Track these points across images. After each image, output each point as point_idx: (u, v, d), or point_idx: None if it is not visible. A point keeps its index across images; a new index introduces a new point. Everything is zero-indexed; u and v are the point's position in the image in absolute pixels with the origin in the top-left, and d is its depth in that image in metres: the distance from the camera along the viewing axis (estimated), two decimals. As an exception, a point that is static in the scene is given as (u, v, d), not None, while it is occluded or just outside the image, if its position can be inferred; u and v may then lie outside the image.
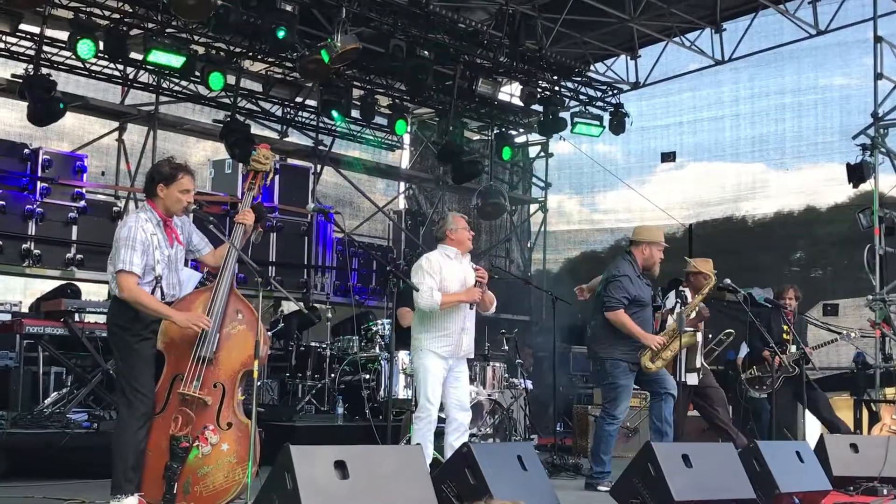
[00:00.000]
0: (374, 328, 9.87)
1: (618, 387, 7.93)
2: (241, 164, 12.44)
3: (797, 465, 7.02)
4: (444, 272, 7.13)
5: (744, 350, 10.31)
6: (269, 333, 10.54)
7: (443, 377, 7.09)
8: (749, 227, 15.58)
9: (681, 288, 8.37)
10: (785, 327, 9.72)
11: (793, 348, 9.60)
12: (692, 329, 8.10)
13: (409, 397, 8.28)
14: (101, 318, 8.11)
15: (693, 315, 8.18)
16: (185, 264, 6.26)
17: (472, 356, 7.46)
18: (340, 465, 4.92)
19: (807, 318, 10.99)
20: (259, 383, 10.20)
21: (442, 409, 7.17)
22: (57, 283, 10.65)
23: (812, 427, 10.68)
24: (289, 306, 11.16)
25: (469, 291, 7.13)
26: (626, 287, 7.91)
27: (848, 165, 12.26)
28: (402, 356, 8.64)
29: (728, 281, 8.91)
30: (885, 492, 7.42)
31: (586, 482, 7.98)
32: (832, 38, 14.14)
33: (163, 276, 5.83)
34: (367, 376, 9.42)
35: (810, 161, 15.06)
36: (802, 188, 15.07)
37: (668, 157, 16.03)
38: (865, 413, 10.70)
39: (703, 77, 15.62)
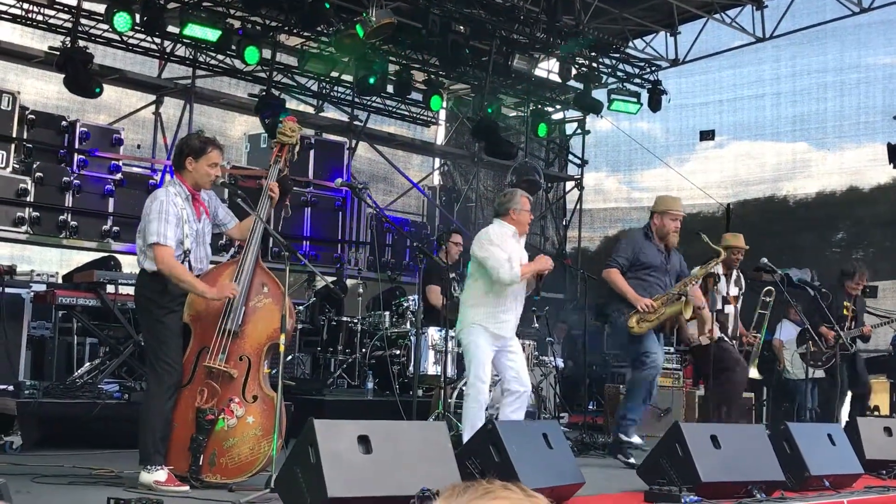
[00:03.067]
0: (405, 304, 9.86)
1: (636, 334, 7.79)
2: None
3: (828, 447, 6.93)
4: (508, 248, 7.04)
5: (782, 331, 10.21)
6: (301, 307, 10.58)
7: (494, 353, 7.02)
8: (790, 208, 15.42)
9: (712, 261, 8.27)
10: (847, 304, 9.60)
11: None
12: (678, 294, 7.90)
13: (438, 373, 8.25)
14: (133, 290, 8.17)
15: (696, 284, 8.04)
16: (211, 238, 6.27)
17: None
18: (364, 440, 4.92)
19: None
20: (290, 357, 10.38)
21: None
22: (93, 255, 10.74)
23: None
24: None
25: (539, 261, 7.04)
26: (626, 248, 7.91)
27: (889, 145, 12.09)
28: (432, 332, 8.61)
29: (765, 260, 8.85)
30: (918, 476, 7.32)
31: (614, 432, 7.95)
32: (876, 16, 13.92)
33: (191, 250, 5.85)
34: (398, 352, 9.43)
35: (853, 141, 14.84)
36: (844, 168, 14.87)
37: (706, 135, 15.85)
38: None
39: (743, 55, 15.44)
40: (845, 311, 9.58)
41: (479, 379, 6.93)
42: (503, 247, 7.00)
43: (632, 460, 7.67)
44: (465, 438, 6.51)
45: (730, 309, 8.81)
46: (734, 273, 8.86)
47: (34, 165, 10.64)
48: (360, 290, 10.83)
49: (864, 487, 6.90)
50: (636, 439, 7.77)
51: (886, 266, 13.40)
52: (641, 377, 7.86)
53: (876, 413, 10.67)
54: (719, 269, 8.37)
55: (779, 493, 6.35)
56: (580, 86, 14.39)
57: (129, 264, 11.11)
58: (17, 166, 10.64)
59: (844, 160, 14.89)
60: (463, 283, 8.76)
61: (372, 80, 13.07)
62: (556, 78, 14.66)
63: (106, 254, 10.67)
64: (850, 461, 7.04)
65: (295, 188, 12.58)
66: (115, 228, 11.15)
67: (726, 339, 8.65)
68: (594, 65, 14.32)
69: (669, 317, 7.85)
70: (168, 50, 12.81)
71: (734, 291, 8.83)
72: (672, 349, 10.34)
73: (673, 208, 8.09)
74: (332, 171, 13.29)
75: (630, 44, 15.35)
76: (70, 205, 10.85)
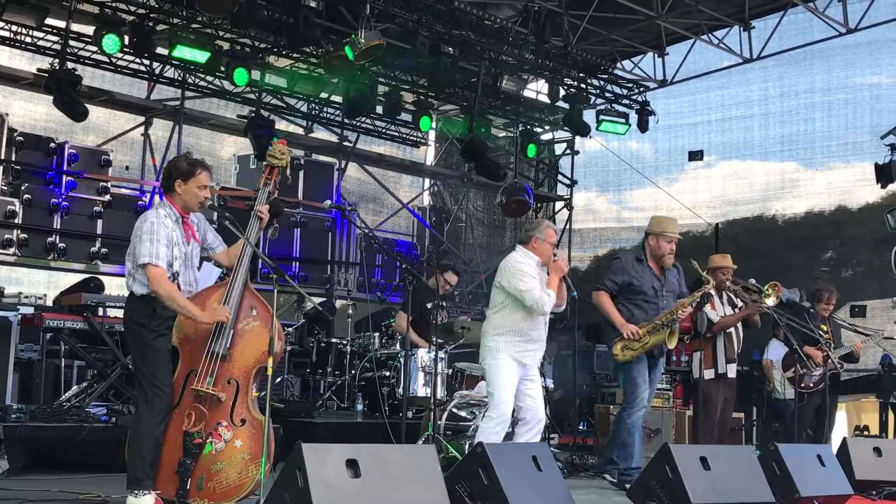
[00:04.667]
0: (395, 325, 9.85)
1: (632, 371, 7.84)
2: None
3: (818, 468, 6.93)
4: (536, 276, 7.02)
5: (771, 351, 10.20)
6: (290, 329, 10.55)
7: (517, 381, 6.98)
8: (779, 227, 15.45)
9: (703, 284, 8.28)
10: (824, 327, 9.62)
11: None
12: (664, 323, 7.90)
13: (427, 395, 8.23)
14: (121, 313, 8.14)
15: (685, 312, 7.99)
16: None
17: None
18: (352, 464, 4.90)
19: (836, 320, 10.86)
20: (279, 379, 10.34)
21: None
22: (81, 277, 10.70)
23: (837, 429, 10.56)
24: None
25: (557, 268, 6.99)
26: (619, 272, 7.91)
27: (876, 165, 12.15)
28: (422, 354, 8.59)
29: (753, 281, 8.86)
30: (908, 496, 7.32)
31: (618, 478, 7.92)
32: (862, 37, 14.00)
33: (180, 273, 5.82)
34: (387, 373, 9.40)
35: (841, 161, 14.90)
36: (833, 188, 14.91)
37: (695, 155, 15.90)
38: (892, 416, 10.57)
39: (731, 75, 15.51)
40: (825, 335, 9.59)
41: (504, 402, 6.88)
42: (534, 275, 6.97)
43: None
44: None
45: (732, 329, 8.82)
46: (724, 294, 8.87)
47: (22, 187, 10.63)
48: (350, 312, 10.81)
49: (854, 508, 6.90)
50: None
51: (875, 285, 13.42)
52: (628, 423, 7.85)
53: (865, 433, 10.67)
54: (711, 291, 8.38)
55: (769, 514, 6.35)
56: (568, 106, 14.43)
57: (116, 285, 11.10)
58: (5, 188, 10.64)
59: (833, 180, 14.94)
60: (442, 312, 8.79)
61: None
62: (545, 99, 14.70)
63: (88, 276, 10.64)
64: (839, 482, 7.04)
65: (285, 209, 12.59)
66: (104, 250, 11.14)
67: (728, 373, 8.68)
68: (583, 86, 14.37)
69: (654, 345, 7.84)
70: (157, 71, 12.81)
71: (729, 311, 8.83)
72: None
73: (669, 230, 8.07)
74: (321, 192, 13.30)
75: (618, 65, 15.42)
76: (58, 227, 10.85)
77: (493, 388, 6.97)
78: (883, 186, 12.22)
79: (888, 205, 12.57)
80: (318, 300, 12.36)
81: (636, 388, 7.85)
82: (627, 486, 7.60)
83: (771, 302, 8.50)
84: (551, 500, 5.79)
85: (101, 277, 10.95)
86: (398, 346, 9.59)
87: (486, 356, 7.08)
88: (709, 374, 8.52)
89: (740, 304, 8.91)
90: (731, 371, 8.74)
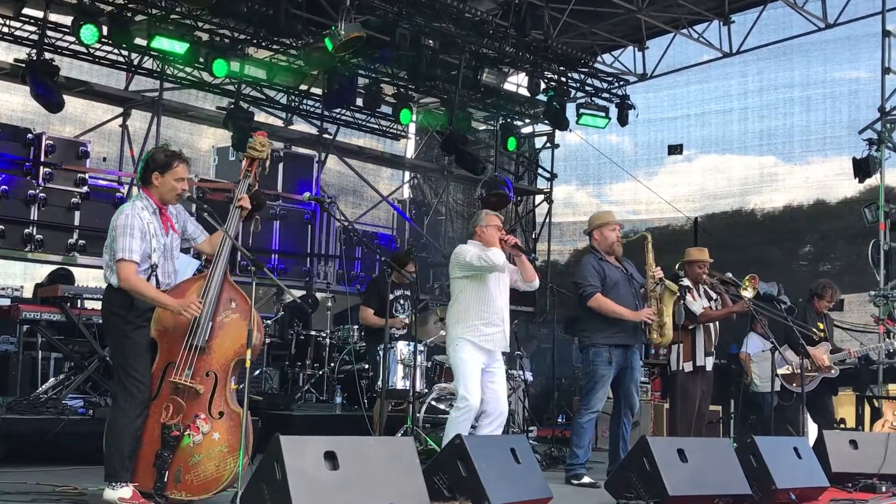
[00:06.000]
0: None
1: (594, 376, 7.87)
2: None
3: (794, 461, 6.98)
4: None
5: (750, 344, 10.25)
6: (269, 322, 10.53)
7: (480, 369, 7.05)
8: (758, 221, 15.52)
9: (679, 278, 8.33)
10: (820, 325, 9.68)
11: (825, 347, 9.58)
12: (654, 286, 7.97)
13: (406, 388, 8.23)
14: (99, 305, 8.10)
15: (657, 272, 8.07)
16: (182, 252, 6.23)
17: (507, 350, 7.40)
18: (330, 456, 4.91)
19: (835, 321, 10.90)
20: (258, 372, 10.32)
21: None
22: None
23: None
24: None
25: (507, 241, 7.15)
26: (592, 272, 7.93)
27: (854, 160, 12.19)
28: (401, 346, 8.59)
29: (729, 275, 8.89)
30: (883, 489, 7.38)
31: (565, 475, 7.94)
32: (841, 32, 14.07)
33: (158, 265, 5.80)
34: (366, 366, 9.39)
35: (819, 155, 14.98)
36: (811, 182, 14.99)
37: (674, 149, 15.95)
38: (868, 409, 10.63)
39: (711, 69, 15.57)
40: (821, 333, 9.65)
41: (469, 392, 6.95)
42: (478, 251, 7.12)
43: (586, 479, 7.67)
44: None
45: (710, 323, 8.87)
46: (701, 287, 8.89)
47: (-1, 178, 10.54)
48: (329, 304, 10.80)
49: (830, 500, 6.96)
50: (586, 480, 7.75)
51: (852, 279, 13.49)
52: (580, 423, 7.91)
53: (842, 426, 10.74)
54: (687, 283, 8.42)
55: (745, 506, 6.39)
56: (545, 100, 14.44)
57: (94, 277, 11.06)
58: (-18, 180, 10.54)
59: (811, 174, 15.02)
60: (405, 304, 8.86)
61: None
62: (525, 92, 14.71)
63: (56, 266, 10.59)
64: (816, 474, 7.09)
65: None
66: (81, 242, 11.06)
67: (706, 366, 8.71)
68: (563, 79, 14.38)
69: (672, 305, 7.89)
70: (135, 62, 12.72)
71: (705, 304, 8.86)
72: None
73: (609, 220, 8.21)
74: (301, 185, 13.26)
75: (598, 58, 15.43)
76: (35, 218, 10.76)
77: (457, 380, 7.08)
78: (861, 181, 12.27)
79: (866, 199, 12.62)
80: (298, 293, 12.34)
81: (594, 393, 7.89)
82: (574, 481, 7.68)
83: (749, 294, 8.55)
84: (529, 493, 5.81)
85: (80, 269, 10.93)
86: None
87: (449, 349, 7.23)
88: (688, 366, 8.55)
89: (715, 296, 8.94)
90: (709, 364, 8.78)
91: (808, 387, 9.43)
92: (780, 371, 9.48)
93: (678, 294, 8.03)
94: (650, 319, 7.82)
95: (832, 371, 9.62)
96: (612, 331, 7.86)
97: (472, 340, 7.06)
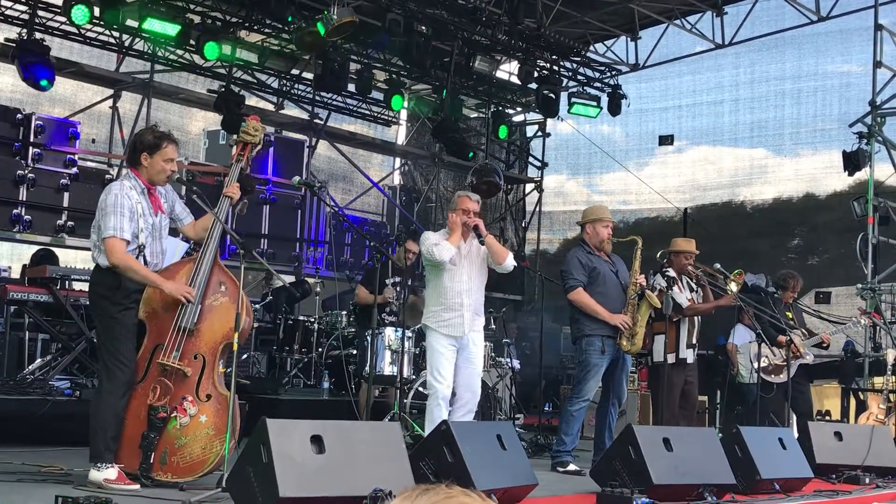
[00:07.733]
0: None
1: (587, 365, 7.87)
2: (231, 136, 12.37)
3: (779, 451, 7.02)
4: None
5: (737, 336, 10.26)
6: (258, 306, 10.52)
7: (451, 355, 7.08)
8: (747, 213, 15.54)
9: (664, 269, 8.34)
10: (789, 314, 9.69)
11: (798, 335, 9.55)
12: (635, 295, 7.99)
13: (394, 373, 8.23)
14: (86, 286, 8.08)
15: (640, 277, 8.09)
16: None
17: (480, 333, 7.36)
18: (317, 440, 4.91)
19: (801, 306, 10.95)
20: (245, 356, 10.32)
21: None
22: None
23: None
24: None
25: (454, 221, 7.13)
26: (579, 266, 7.93)
27: (844, 153, 12.20)
28: (389, 332, 8.59)
29: (718, 266, 8.88)
30: (867, 480, 7.42)
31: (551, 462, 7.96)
32: (833, 25, 14.08)
33: (146, 245, 5.79)
34: (354, 351, 9.40)
35: (809, 148, 15.00)
36: (801, 175, 15.02)
37: (665, 140, 15.97)
38: (853, 401, 10.69)
39: (703, 61, 15.56)
40: (791, 321, 9.66)
41: (435, 379, 7.04)
42: (436, 241, 7.13)
43: (571, 467, 7.69)
44: None
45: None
46: (685, 278, 8.90)
47: (-13, 158, 10.50)
48: (318, 290, 10.79)
49: (814, 491, 6.98)
50: (572, 467, 7.78)
51: (841, 272, 13.54)
52: (570, 411, 7.92)
53: (827, 418, 10.79)
54: (672, 274, 8.42)
55: (729, 496, 6.42)
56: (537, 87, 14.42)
57: (82, 259, 11.04)
58: (-30, 159, 10.49)
59: (801, 167, 15.05)
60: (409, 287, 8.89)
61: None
62: (516, 80, 14.69)
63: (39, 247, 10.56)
64: (800, 465, 7.13)
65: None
66: (70, 223, 11.02)
67: (688, 359, 8.71)
68: (555, 68, 14.36)
69: (648, 312, 7.90)
70: (126, 44, 12.66)
71: (689, 295, 8.87)
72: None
73: (604, 216, 8.19)
74: (291, 169, 13.22)
75: (591, 48, 15.42)
76: (24, 199, 10.72)
77: (429, 367, 7.16)
78: (850, 174, 12.30)
79: (855, 193, 12.66)
80: (289, 278, 12.32)
81: (586, 382, 7.91)
82: (560, 468, 7.71)
83: (733, 288, 8.56)
84: (515, 479, 5.82)
85: (68, 250, 10.89)
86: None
87: (425, 337, 7.33)
88: (671, 358, 8.56)
89: (696, 288, 8.95)
90: (691, 357, 8.76)
91: (785, 376, 9.45)
92: (755, 365, 9.52)
93: (661, 289, 8.04)
94: (623, 326, 7.83)
95: (807, 357, 9.60)
96: (601, 322, 7.87)
97: (432, 327, 7.13)
